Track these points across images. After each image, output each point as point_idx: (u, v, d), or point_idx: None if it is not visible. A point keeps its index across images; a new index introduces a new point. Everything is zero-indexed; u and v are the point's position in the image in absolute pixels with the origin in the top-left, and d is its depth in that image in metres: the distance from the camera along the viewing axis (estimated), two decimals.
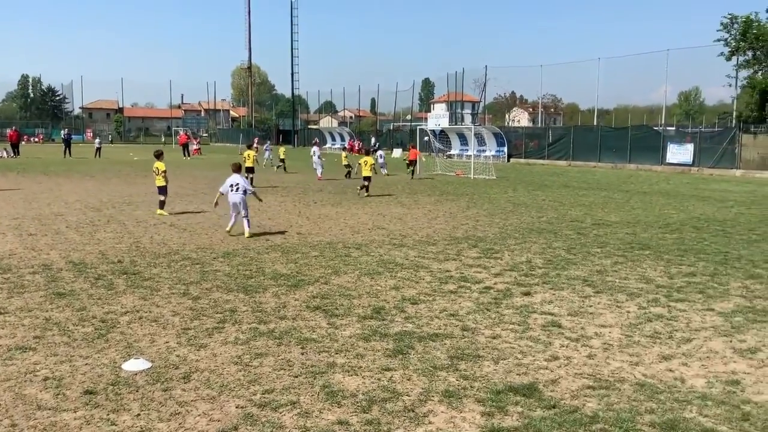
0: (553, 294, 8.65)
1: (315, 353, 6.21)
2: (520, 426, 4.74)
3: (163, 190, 16.60)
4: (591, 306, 8.10)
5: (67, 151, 46.52)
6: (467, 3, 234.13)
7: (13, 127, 55.53)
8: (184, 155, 48.81)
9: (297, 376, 5.60)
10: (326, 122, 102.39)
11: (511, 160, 48.87)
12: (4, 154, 46.27)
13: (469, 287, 8.95)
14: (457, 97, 73.43)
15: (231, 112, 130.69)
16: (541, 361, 6.13)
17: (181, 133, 61.91)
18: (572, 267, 10.37)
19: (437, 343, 6.57)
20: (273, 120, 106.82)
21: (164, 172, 16.57)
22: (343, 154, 32.97)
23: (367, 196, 21.37)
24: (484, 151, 48.42)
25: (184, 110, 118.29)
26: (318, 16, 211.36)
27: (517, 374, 5.76)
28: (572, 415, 4.93)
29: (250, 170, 24.43)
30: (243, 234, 12.90)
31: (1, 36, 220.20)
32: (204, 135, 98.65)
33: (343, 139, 70.31)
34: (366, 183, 21.73)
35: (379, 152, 33.39)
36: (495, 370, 5.85)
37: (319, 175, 29.02)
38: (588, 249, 12.00)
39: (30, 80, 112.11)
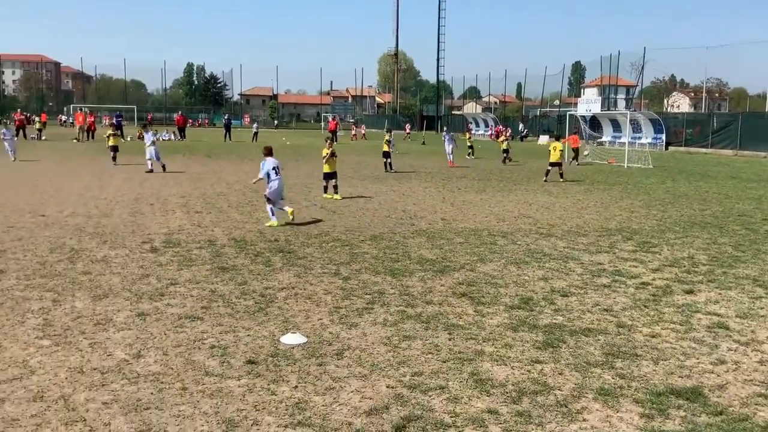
0: (720, 293, 8.01)
1: (462, 340, 6.18)
2: (683, 431, 4.44)
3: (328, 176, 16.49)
4: (763, 308, 7.42)
5: (228, 135, 49.68)
6: None
7: (180, 113, 60.22)
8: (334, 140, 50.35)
9: (445, 361, 5.61)
10: (470, 108, 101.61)
11: (670, 148, 45.83)
12: (172, 137, 50.31)
13: (624, 282, 8.51)
14: (611, 81, 69.97)
15: (377, 98, 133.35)
16: (706, 364, 5.70)
17: (330, 119, 64.08)
18: (741, 265, 9.54)
19: (590, 338, 6.31)
20: (417, 106, 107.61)
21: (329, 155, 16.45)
22: (501, 139, 32.38)
23: (563, 181, 21.70)
24: (639, 138, 45.74)
25: (333, 97, 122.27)
26: (465, 1, 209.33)
27: (680, 377, 5.39)
28: (742, 424, 4.55)
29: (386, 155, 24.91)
30: (290, 219, 12.60)
31: (171, 27, 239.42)
32: (350, 120, 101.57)
33: (487, 125, 69.42)
34: (552, 168, 22.18)
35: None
36: (654, 370, 5.51)
37: (450, 160, 28.64)
38: (759, 246, 10.99)
39: (194, 68, 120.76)
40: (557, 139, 24.23)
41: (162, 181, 19.82)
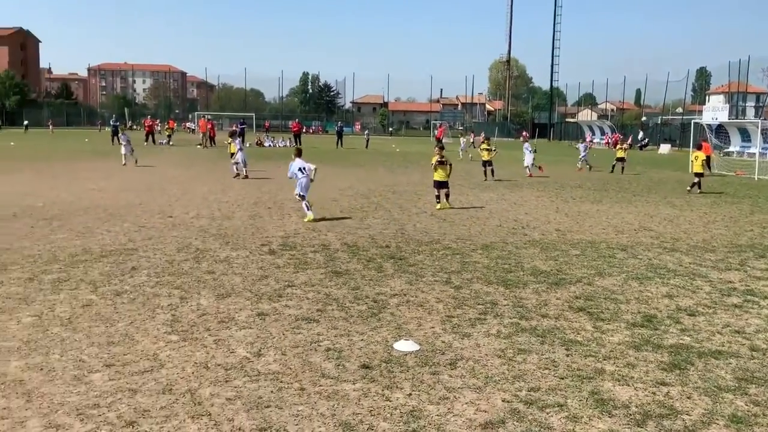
0: None
1: (581, 357, 5.96)
2: None
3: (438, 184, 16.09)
4: None
5: (339, 142, 50.85)
6: None
7: (297, 120, 62.30)
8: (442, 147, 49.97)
9: (563, 378, 5.42)
10: (585, 115, 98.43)
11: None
12: (287, 143, 52.12)
13: (757, 302, 7.91)
14: (740, 88, 65.60)
15: (487, 106, 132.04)
16: None
17: (438, 126, 64.08)
18: None
19: (721, 361, 5.90)
20: (529, 113, 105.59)
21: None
22: (619, 147, 30.96)
23: (700, 193, 21.00)
24: None
25: (442, 104, 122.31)
26: (581, 4, 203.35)
27: None
28: None
29: None
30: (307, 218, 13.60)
31: (288, 39, 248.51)
32: (459, 128, 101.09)
33: (603, 133, 67.01)
34: (697, 180, 21.48)
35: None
36: None
37: (528, 172, 26.60)
38: None
39: (309, 77, 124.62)
40: (699, 148, 23.24)
41: (278, 186, 20.54)
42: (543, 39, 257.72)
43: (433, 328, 6.69)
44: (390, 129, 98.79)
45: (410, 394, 5.01)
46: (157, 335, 6.28)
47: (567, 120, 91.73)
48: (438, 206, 15.94)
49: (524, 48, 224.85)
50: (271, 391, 5.01)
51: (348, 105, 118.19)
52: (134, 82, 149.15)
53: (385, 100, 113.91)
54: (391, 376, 5.35)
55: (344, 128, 58.15)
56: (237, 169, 23.16)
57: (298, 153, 14.58)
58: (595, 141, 65.72)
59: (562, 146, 63.48)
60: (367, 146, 50.12)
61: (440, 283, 8.57)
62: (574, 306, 7.62)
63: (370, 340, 6.26)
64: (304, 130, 72.28)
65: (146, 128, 49.43)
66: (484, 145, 24.95)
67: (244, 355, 5.79)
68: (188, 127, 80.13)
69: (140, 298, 7.53)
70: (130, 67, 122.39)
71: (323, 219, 13.66)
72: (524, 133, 37.72)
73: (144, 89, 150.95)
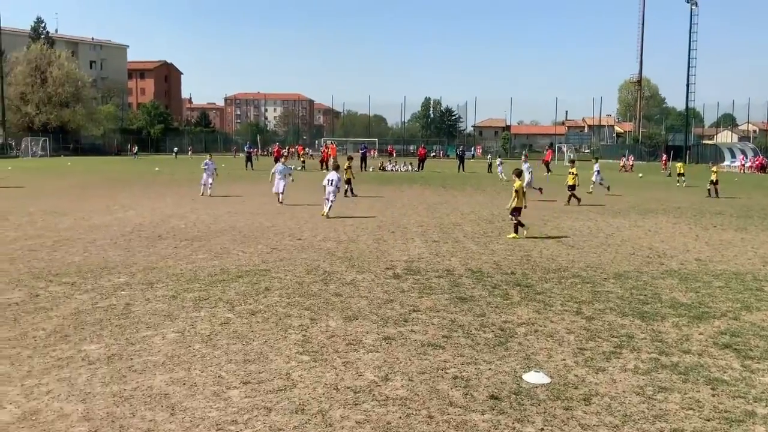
0: None
1: (728, 397, 5.50)
2: None
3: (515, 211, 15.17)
4: None
5: (461, 166, 50.78)
6: None
7: (422, 145, 63.11)
8: (548, 170, 48.35)
9: (708, 420, 5.03)
10: (724, 137, 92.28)
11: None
12: (409, 167, 52.72)
13: None
14: None
15: (616, 128, 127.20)
16: None
17: (547, 148, 62.67)
18: None
19: None
20: (662, 135, 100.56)
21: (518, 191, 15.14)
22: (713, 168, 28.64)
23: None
24: None
25: (568, 126, 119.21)
26: (720, 17, 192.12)
27: None
28: None
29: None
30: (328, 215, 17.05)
31: (410, 65, 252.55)
32: (586, 151, 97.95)
33: (745, 156, 62.49)
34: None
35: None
36: None
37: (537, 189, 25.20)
38: None
39: (431, 102, 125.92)
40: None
41: (401, 210, 20.78)
42: (677, 57, 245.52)
43: (564, 360, 6.45)
44: (506, 153, 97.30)
45: (542, 429, 4.83)
46: (289, 355, 6.49)
47: (704, 142, 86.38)
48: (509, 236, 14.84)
49: (656, 67, 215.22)
50: (399, 417, 5.01)
51: (469, 129, 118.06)
52: (266, 110, 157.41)
53: (508, 123, 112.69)
54: (522, 409, 5.19)
55: (465, 152, 57.91)
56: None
57: (336, 167, 19.94)
58: (733, 164, 61.39)
59: (700, 169, 59.79)
60: (489, 170, 49.67)
61: (570, 313, 8.26)
62: (719, 342, 7.08)
63: (498, 369, 6.12)
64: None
65: (275, 154, 51.84)
66: (572, 170, 23.87)
67: (372, 378, 5.84)
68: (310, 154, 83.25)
69: (273, 317, 7.82)
70: (262, 96, 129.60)
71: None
72: (524, 153, 35.13)
73: (275, 117, 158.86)
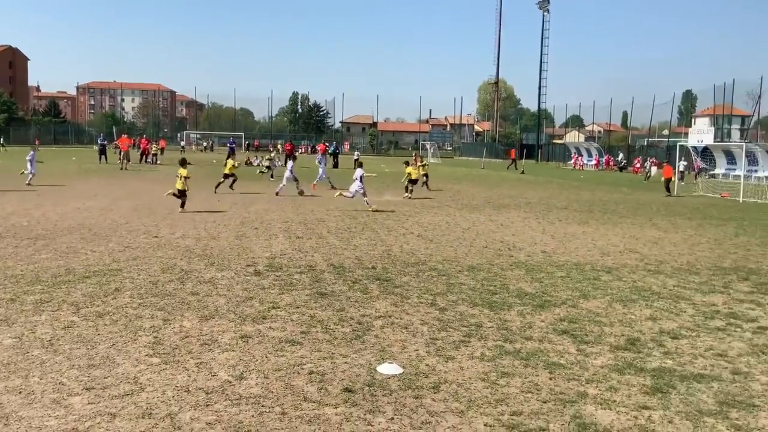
0: None
1: (564, 380, 5.96)
2: None
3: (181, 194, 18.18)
4: None
5: (336, 161, 50.80)
6: (738, 7, 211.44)
7: (289, 140, 62.39)
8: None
9: (545, 402, 5.42)
10: (572, 137, 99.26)
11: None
12: (277, 163, 52.11)
13: (740, 325, 7.96)
14: (725, 111, 66.49)
15: (475, 127, 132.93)
16: None
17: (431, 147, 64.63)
18: None
19: (703, 385, 5.92)
20: (517, 134, 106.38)
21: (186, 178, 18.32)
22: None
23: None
24: (756, 171, 43.11)
25: (431, 125, 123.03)
26: (570, 26, 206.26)
27: None
28: None
29: None
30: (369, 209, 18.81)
31: (278, 58, 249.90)
32: (448, 149, 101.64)
33: (590, 155, 67.57)
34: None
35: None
36: None
37: (314, 183, 27.11)
38: None
39: (299, 97, 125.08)
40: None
41: (266, 206, 20.53)
42: (531, 61, 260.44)
43: (417, 350, 6.68)
44: (372, 149, 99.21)
45: (392, 419, 4.98)
46: (138, 358, 6.23)
47: (554, 141, 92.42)
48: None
49: (513, 70, 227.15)
50: (252, 416, 4.97)
51: (337, 125, 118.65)
52: (123, 100, 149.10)
53: (375, 120, 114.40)
54: (374, 400, 5.32)
55: (339, 149, 57.73)
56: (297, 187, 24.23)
57: (360, 165, 21.15)
58: (580, 162, 66.21)
59: (550, 167, 64.00)
60: (356, 166, 50.13)
61: (425, 305, 8.56)
62: (558, 329, 7.63)
63: (353, 363, 6.23)
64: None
65: (142, 147, 49.30)
66: (420, 164, 25.88)
67: (226, 378, 5.75)
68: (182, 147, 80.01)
69: (122, 320, 7.46)
70: (119, 85, 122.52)
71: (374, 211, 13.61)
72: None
73: (133, 108, 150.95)
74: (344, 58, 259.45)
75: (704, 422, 5.11)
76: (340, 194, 20.95)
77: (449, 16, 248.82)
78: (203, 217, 16.96)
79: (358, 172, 20.42)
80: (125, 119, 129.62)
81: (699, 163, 41.17)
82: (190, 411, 5.03)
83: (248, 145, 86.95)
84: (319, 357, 6.36)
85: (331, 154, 52.38)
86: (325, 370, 5.99)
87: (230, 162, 26.95)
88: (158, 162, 47.40)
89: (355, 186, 20.15)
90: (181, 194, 18.34)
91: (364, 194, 20.08)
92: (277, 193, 23.94)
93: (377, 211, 19.49)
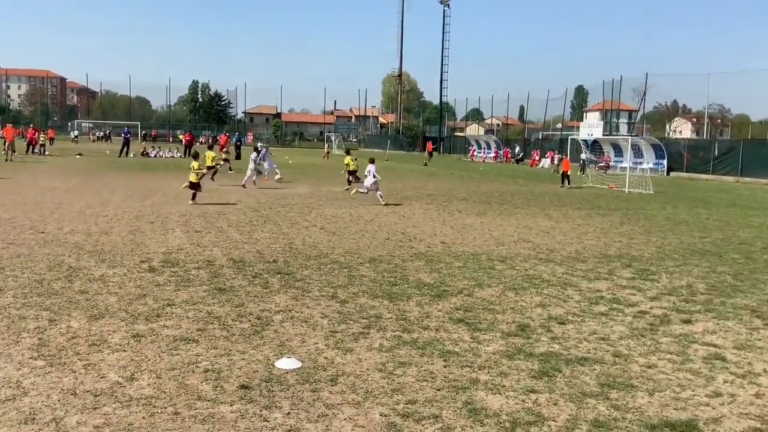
0: (717, 324, 7.98)
1: (457, 367, 6.16)
2: None
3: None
4: (760, 339, 7.39)
5: (238, 153, 49.71)
6: (626, 8, 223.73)
7: (189, 130, 60.57)
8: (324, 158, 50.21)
9: (440, 390, 5.58)
10: (473, 129, 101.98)
11: (672, 173, 45.92)
12: (175, 154, 50.51)
13: (621, 310, 8.49)
14: (613, 106, 70.32)
15: (380, 119, 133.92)
16: (701, 396, 5.66)
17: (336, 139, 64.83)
18: (739, 295, 9.52)
19: (586, 367, 6.29)
20: (420, 127, 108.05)
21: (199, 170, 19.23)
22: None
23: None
24: (641, 163, 45.90)
25: (336, 116, 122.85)
26: (470, 22, 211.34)
27: (675, 409, 5.36)
28: None
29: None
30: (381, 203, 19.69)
31: (177, 46, 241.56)
32: (353, 140, 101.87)
33: (489, 147, 69.66)
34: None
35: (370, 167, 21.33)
36: (650, 402, 5.49)
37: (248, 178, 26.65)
38: (758, 276, 10.97)
39: (199, 86, 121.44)
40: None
41: (163, 199, 19.88)
42: (434, 54, 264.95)
43: (316, 344, 6.70)
44: (276, 140, 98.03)
45: (289, 413, 4.99)
46: (21, 361, 5.90)
47: (456, 134, 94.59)
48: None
49: (416, 63, 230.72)
50: (143, 417, 4.83)
51: (240, 115, 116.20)
52: (8, 87, 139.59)
53: (279, 111, 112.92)
54: (271, 396, 5.30)
55: (242, 139, 56.45)
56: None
57: (372, 161, 21.11)
58: (483, 155, 68.17)
59: (452, 159, 65.53)
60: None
61: (326, 297, 8.59)
62: (454, 317, 7.86)
63: (251, 359, 6.17)
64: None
65: (29, 136, 46.31)
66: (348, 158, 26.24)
67: (116, 379, 5.55)
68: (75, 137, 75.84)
69: (4, 321, 7.04)
70: (3, 71, 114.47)
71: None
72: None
73: (19, 95, 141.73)
74: (246, 47, 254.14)
75: (586, 403, 5.42)
76: (356, 191, 21.65)
77: (353, 8, 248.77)
78: (95, 212, 16.21)
79: (371, 167, 20.72)
80: (11, 107, 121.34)
81: (607, 157, 43.40)
82: (76, 415, 4.83)
83: (145, 135, 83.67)
84: (215, 354, 6.25)
85: (234, 145, 51.30)
86: (222, 368, 5.90)
87: (210, 153, 26.91)
88: (46, 153, 44.80)
89: (369, 181, 20.58)
90: (195, 186, 18.92)
91: (376, 189, 20.60)
92: (244, 185, 24.44)
93: (387, 205, 20.18)
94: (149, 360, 6.04)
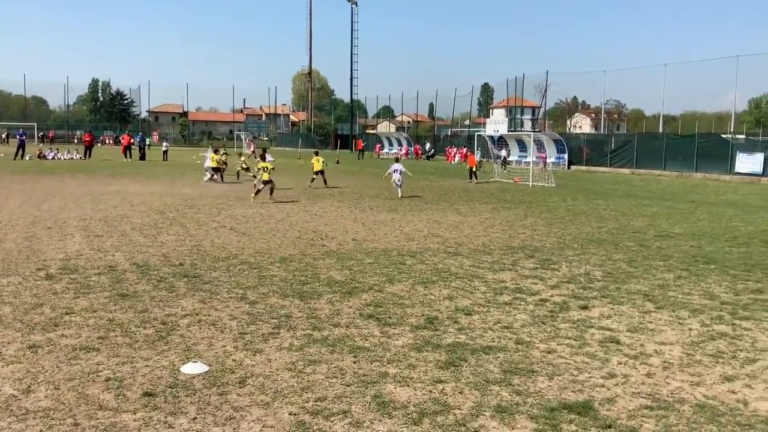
0: (612, 308, 8.45)
1: (367, 362, 6.24)
2: None
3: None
4: (651, 322, 7.88)
5: (142, 154, 47.96)
6: (527, 7, 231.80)
7: (88, 131, 57.92)
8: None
9: (349, 385, 5.64)
10: (384, 127, 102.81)
11: (572, 167, 47.98)
12: (74, 155, 48.24)
13: (524, 299, 8.83)
14: (517, 103, 72.68)
15: (291, 117, 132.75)
16: (597, 378, 5.99)
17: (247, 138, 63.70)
18: (633, 281, 10.10)
19: (490, 356, 6.51)
20: (332, 125, 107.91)
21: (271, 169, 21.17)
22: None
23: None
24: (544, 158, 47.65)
25: (246, 114, 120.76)
26: (377, 21, 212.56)
27: (572, 391, 5.65)
28: None
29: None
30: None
31: (74, 43, 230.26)
32: (264, 139, 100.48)
33: (400, 144, 70.44)
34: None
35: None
36: (549, 386, 5.75)
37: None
38: (650, 262, 11.67)
39: (100, 84, 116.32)
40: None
41: (61, 203, 18.96)
42: (344, 52, 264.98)
43: (224, 346, 6.60)
44: (183, 139, 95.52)
45: (195, 418, 4.90)
46: None
47: (367, 131, 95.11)
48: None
49: (326, 60, 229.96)
50: (41, 430, 4.63)
51: (144, 114, 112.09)
52: None
53: (185, 110, 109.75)
54: (176, 402, 5.19)
55: (145, 139, 54.49)
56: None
57: (397, 160, 24.88)
58: (392, 152, 68.86)
59: (365, 157, 65.73)
60: (165, 158, 47.97)
61: (235, 299, 8.47)
62: (364, 313, 7.94)
63: (155, 365, 6.01)
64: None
65: None
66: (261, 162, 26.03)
67: (11, 392, 5.28)
68: None
69: None
70: None
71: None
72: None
73: None
74: (148, 45, 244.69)
75: (490, 390, 5.62)
76: (394, 182, 23.63)
77: (261, 5, 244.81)
78: None
79: (399, 166, 23.64)
80: None
81: (544, 155, 44.65)
82: None
83: (42, 136, 79.39)
84: (117, 362, 6.05)
85: (137, 146, 49.49)
86: (124, 376, 5.72)
87: (216, 156, 28.49)
88: None
89: (396, 175, 23.32)
90: (268, 182, 20.72)
91: (400, 185, 23.29)
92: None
93: (404, 197, 22.25)
94: (47, 371, 5.78)
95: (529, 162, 36.24)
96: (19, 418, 4.83)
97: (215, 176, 28.28)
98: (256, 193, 20.95)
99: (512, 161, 45.28)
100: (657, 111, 67.21)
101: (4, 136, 79.10)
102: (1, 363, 5.96)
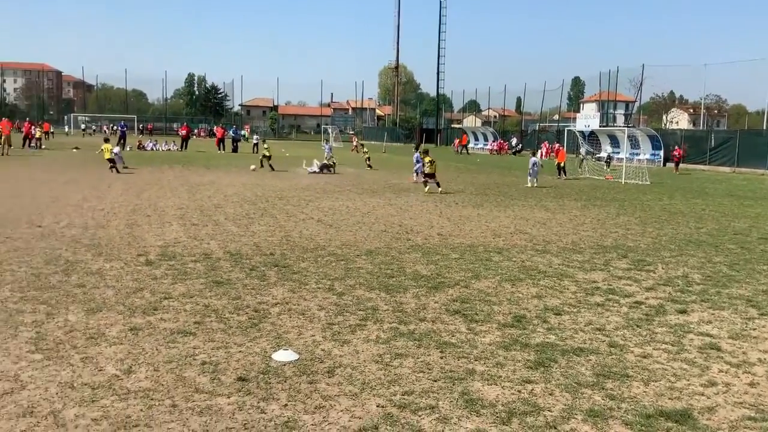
0: (712, 314, 8.02)
1: (454, 358, 6.19)
2: None
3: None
4: (755, 329, 7.43)
5: (235, 147, 49.55)
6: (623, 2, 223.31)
7: (185, 123, 60.44)
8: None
9: (436, 381, 5.61)
10: (470, 121, 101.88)
11: (668, 164, 45.95)
12: (172, 147, 50.43)
13: (617, 301, 8.52)
14: (610, 97, 70.29)
15: (377, 111, 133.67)
16: (696, 386, 5.70)
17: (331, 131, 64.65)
18: (735, 285, 9.56)
19: (582, 358, 6.32)
20: (417, 119, 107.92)
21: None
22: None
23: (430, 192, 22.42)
24: (637, 154, 45.92)
25: (333, 108, 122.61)
26: (466, 14, 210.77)
27: (669, 398, 5.40)
28: None
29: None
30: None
31: (173, 38, 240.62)
32: (350, 132, 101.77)
33: (486, 139, 69.60)
34: (423, 180, 24.42)
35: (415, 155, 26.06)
36: (645, 392, 5.52)
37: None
38: (753, 266, 11.01)
39: (195, 79, 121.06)
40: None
41: (160, 192, 19.86)
42: (431, 46, 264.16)
43: (313, 336, 6.72)
44: (273, 133, 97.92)
45: (286, 405, 5.01)
46: (19, 354, 5.92)
47: (453, 126, 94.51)
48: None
49: (413, 55, 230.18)
50: (141, 410, 4.86)
51: (237, 108, 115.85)
52: (4, 81, 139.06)
53: (275, 104, 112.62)
54: (268, 388, 5.33)
55: (238, 132, 56.20)
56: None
57: (426, 152, 23.79)
58: (479, 146, 68.11)
59: (448, 151, 65.40)
60: (255, 150, 49.36)
61: (323, 290, 8.61)
62: (450, 309, 7.89)
63: (248, 351, 6.19)
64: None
65: (24, 131, 46.09)
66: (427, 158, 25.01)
67: (114, 372, 5.57)
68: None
69: (2, 315, 7.05)
70: None
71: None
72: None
73: (15, 89, 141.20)
74: (242, 40, 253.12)
75: (582, 393, 5.45)
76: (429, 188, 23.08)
77: (349, 1, 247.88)
78: (91, 205, 16.20)
79: (535, 159, 26.20)
80: (7, 101, 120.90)
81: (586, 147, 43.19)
82: (74, 408, 4.85)
83: (142, 128, 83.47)
84: (212, 347, 6.27)
85: (230, 138, 51.16)
86: (219, 360, 5.92)
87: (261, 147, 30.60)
88: (42, 146, 44.69)
89: (536, 168, 25.80)
90: (431, 176, 22.47)
91: (535, 176, 25.62)
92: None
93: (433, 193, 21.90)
94: (147, 353, 6.06)
95: (621, 158, 34.96)
96: (121, 397, 5.08)
97: (324, 170, 30.12)
98: (424, 184, 22.95)
99: (613, 157, 42.94)
100: (761, 107, 63.29)
101: (110, 128, 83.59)
102: (104, 344, 6.29)
